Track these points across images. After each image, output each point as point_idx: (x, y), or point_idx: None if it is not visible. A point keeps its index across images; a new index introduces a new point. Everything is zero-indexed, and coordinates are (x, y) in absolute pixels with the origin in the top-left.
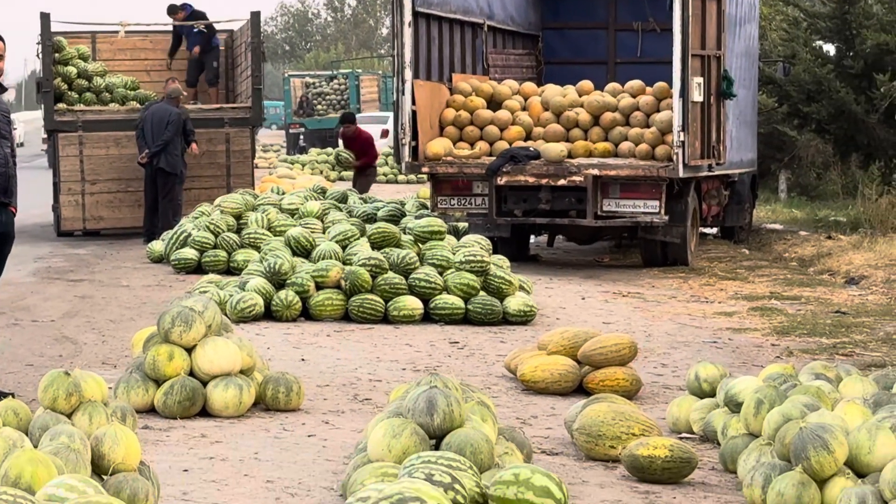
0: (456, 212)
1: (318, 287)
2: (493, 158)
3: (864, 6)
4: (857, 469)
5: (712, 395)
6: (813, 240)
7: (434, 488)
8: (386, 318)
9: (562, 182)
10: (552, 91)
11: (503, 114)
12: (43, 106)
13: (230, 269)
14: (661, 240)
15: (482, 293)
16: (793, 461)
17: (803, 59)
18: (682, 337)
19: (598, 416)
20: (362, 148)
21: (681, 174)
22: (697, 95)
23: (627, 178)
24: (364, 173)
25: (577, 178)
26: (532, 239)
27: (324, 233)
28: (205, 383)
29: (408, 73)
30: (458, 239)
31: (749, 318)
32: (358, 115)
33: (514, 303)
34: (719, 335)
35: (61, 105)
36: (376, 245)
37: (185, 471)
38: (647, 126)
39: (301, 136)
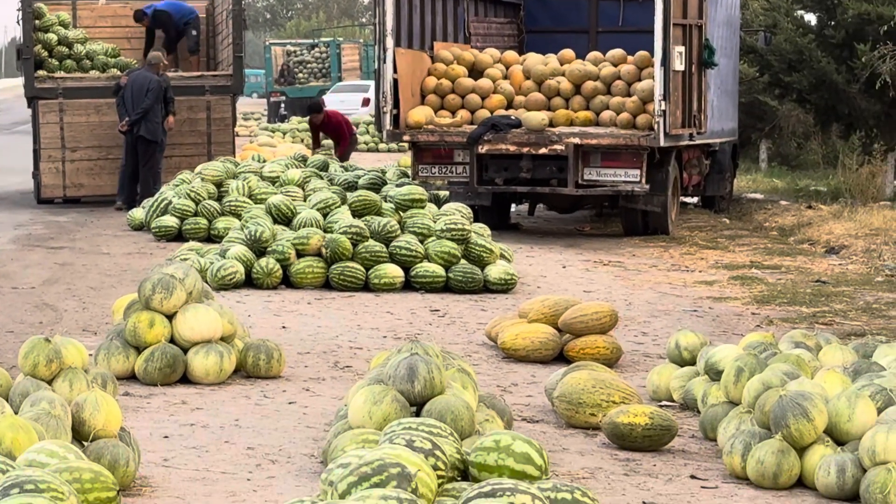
0: (437, 180)
1: (299, 255)
2: (475, 127)
3: None
4: (837, 437)
5: (692, 363)
6: (793, 209)
7: (415, 454)
8: (367, 286)
9: (543, 151)
10: (534, 60)
11: (484, 82)
12: (23, 73)
13: (211, 237)
14: (642, 209)
15: (463, 261)
16: (772, 429)
17: (784, 28)
18: (662, 305)
19: (579, 383)
20: (336, 131)
21: (662, 143)
22: (679, 64)
23: (608, 147)
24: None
25: (558, 147)
26: (513, 207)
27: (305, 201)
28: (185, 350)
29: (389, 42)
30: (439, 207)
31: (729, 286)
32: (339, 84)
33: (495, 271)
34: (700, 304)
35: (42, 72)
36: (357, 213)
37: (166, 437)
38: (629, 95)
39: (282, 105)
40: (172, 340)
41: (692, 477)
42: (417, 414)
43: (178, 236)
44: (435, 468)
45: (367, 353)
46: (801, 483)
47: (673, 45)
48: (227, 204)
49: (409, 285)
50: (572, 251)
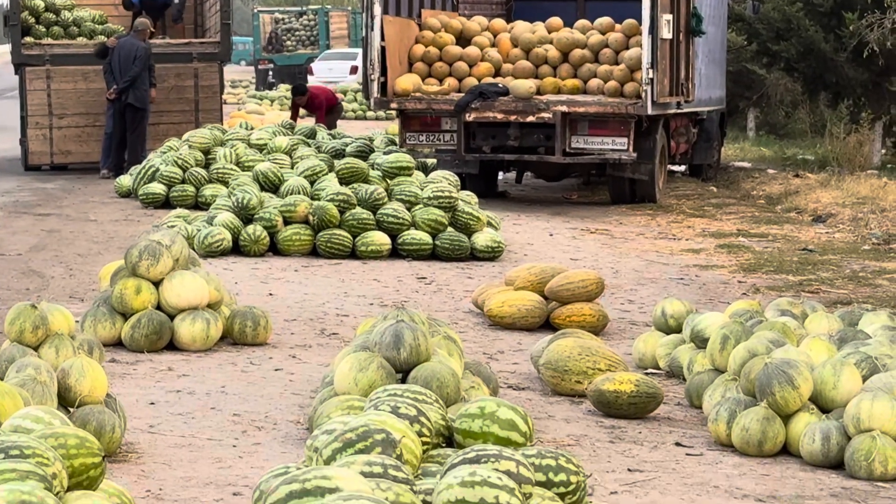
0: (424, 148)
1: (286, 222)
2: (462, 95)
3: None
4: (822, 404)
5: (678, 331)
6: (781, 178)
7: (399, 420)
8: (354, 254)
9: (530, 119)
10: (521, 28)
11: (472, 50)
12: (10, 40)
13: (198, 204)
14: (630, 177)
15: (450, 229)
16: (758, 396)
17: None
18: (649, 273)
19: (565, 351)
20: (322, 104)
21: (649, 111)
22: (667, 32)
23: (596, 115)
24: (331, 111)
25: (545, 115)
26: (500, 175)
27: (292, 168)
28: (172, 317)
29: (377, 9)
30: (427, 175)
31: (716, 255)
32: (327, 52)
33: (482, 239)
34: (686, 272)
35: (29, 39)
36: (344, 180)
37: (152, 404)
38: (616, 63)
39: (270, 72)
40: (159, 307)
41: (677, 444)
42: (403, 381)
43: (166, 203)
44: (420, 434)
45: (354, 321)
46: (786, 450)
47: (661, 13)
48: (215, 171)
49: (395, 253)
50: (559, 219)
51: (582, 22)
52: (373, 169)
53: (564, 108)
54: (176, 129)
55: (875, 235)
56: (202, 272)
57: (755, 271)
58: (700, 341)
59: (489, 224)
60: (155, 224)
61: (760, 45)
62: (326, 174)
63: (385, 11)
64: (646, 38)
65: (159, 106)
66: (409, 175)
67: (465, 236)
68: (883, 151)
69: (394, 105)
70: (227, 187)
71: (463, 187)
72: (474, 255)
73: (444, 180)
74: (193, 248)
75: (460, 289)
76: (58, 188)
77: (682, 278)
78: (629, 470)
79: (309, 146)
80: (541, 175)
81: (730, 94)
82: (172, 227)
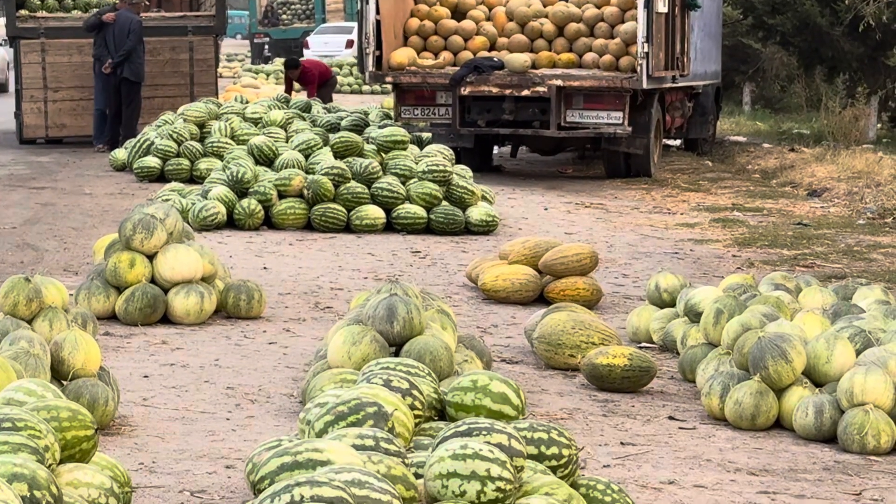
0: (419, 122)
1: (281, 196)
2: (457, 68)
3: None
4: (815, 378)
5: (672, 305)
6: (776, 152)
7: (392, 393)
8: (348, 228)
9: (525, 92)
10: (517, 1)
11: (467, 24)
12: (5, 12)
13: (193, 178)
14: (625, 151)
15: (444, 203)
16: (751, 370)
17: None
18: (643, 247)
19: (559, 325)
20: (314, 78)
21: (644, 85)
22: (662, 6)
23: (591, 89)
24: (325, 85)
25: (540, 89)
26: (495, 149)
27: (287, 142)
28: (166, 290)
29: None
30: (422, 149)
31: (711, 229)
32: (323, 26)
33: (477, 212)
34: (681, 246)
35: (23, 11)
36: (339, 154)
37: (146, 377)
38: (612, 37)
39: (266, 46)
40: (153, 281)
41: (670, 418)
42: (396, 354)
43: (161, 177)
44: (412, 408)
45: (348, 294)
46: (779, 424)
47: None
48: (210, 145)
49: (390, 227)
50: (554, 193)
51: None
52: (367, 143)
53: (559, 82)
54: (171, 102)
55: (870, 210)
56: (196, 246)
57: (749, 245)
58: (694, 315)
59: (484, 198)
60: (149, 197)
61: (756, 18)
62: (321, 148)
63: None
64: (641, 12)
65: (154, 79)
66: (404, 149)
67: (459, 210)
68: (878, 126)
69: (389, 79)
70: (222, 161)
71: (458, 161)
72: (469, 229)
73: (438, 154)
74: (188, 222)
75: (454, 263)
76: (52, 161)
77: (676, 252)
78: (622, 443)
79: (304, 120)
80: (536, 149)
81: (725, 69)
82: (167, 200)
